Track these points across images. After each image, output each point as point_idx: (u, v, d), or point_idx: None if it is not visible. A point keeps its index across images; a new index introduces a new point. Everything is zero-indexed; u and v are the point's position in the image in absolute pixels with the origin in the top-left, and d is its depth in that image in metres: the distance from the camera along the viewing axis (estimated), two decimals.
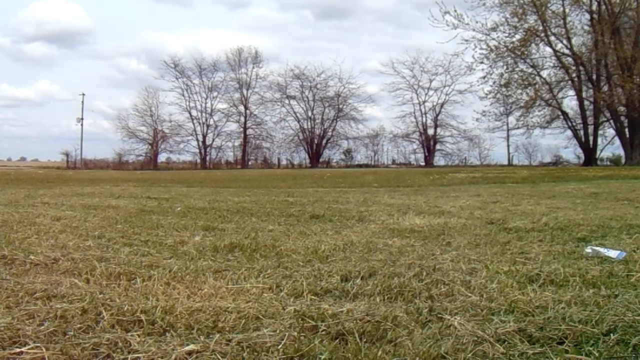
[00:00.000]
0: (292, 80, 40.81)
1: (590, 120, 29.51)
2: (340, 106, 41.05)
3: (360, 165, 37.80)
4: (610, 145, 30.83)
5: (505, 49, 29.00)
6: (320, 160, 40.42)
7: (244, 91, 41.11)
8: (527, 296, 1.41)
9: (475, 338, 1.10)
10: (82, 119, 41.73)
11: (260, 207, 4.24)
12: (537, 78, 30.27)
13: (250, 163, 41.05)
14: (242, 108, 41.35)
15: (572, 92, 30.16)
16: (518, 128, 32.61)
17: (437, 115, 37.81)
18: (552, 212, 3.71)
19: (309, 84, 40.75)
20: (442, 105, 37.93)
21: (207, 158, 41.12)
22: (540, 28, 28.64)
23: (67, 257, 1.93)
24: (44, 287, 1.48)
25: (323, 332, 1.15)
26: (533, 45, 29.52)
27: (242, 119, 41.48)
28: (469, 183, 9.85)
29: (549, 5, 28.32)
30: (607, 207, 4.16)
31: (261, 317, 1.24)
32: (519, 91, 30.41)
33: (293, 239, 2.48)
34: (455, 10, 27.21)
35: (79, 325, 1.16)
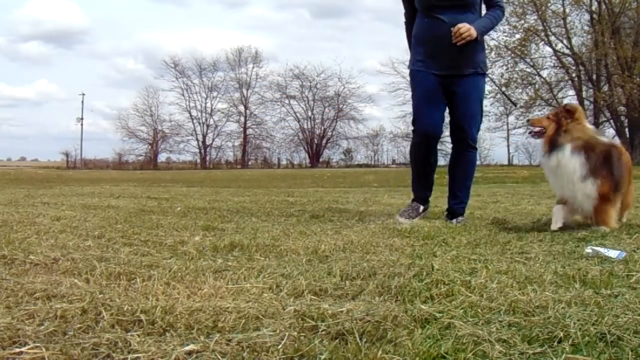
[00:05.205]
0: (292, 80, 40.78)
1: (591, 120, 29.51)
2: (340, 106, 41.06)
3: (360, 165, 37.77)
4: None
5: (505, 48, 28.99)
6: (320, 160, 40.39)
7: (244, 91, 41.11)
8: (527, 296, 1.41)
9: (475, 338, 1.10)
10: (82, 118, 41.71)
11: (260, 207, 4.25)
12: (537, 78, 30.27)
13: (250, 163, 41.05)
14: (242, 108, 41.35)
15: (572, 92, 30.16)
16: (518, 128, 32.58)
17: None
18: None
19: (309, 83, 40.75)
20: None
21: (207, 158, 41.12)
22: (540, 28, 28.63)
23: (67, 257, 1.93)
24: (44, 287, 1.48)
25: (323, 332, 1.15)
26: (533, 45, 29.52)
27: (242, 119, 41.48)
28: None
29: (549, 5, 28.32)
30: None
31: (261, 317, 1.25)
32: (519, 91, 30.41)
33: (293, 239, 2.48)
34: None
35: (78, 325, 1.16)
